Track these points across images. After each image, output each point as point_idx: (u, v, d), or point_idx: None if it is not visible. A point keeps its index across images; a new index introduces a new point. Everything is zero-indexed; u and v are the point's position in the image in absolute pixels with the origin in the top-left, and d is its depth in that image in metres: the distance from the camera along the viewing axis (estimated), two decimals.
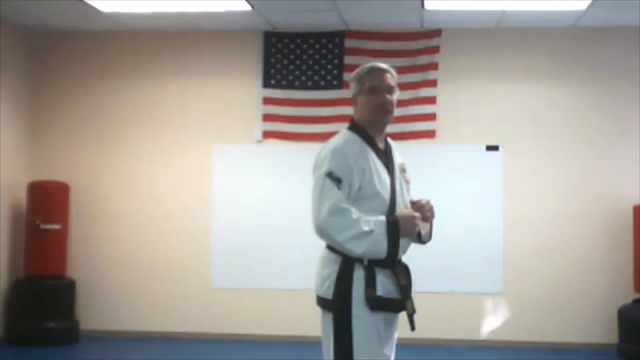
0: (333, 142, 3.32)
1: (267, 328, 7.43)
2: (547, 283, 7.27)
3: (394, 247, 3.16)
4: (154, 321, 7.56)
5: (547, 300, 7.26)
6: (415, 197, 3.43)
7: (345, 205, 3.14)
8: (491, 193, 7.35)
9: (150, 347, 7.20)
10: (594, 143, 7.32)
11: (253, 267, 7.49)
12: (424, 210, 3.33)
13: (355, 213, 3.15)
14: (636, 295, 6.91)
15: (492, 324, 7.33)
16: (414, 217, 3.22)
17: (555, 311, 7.24)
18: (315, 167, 3.29)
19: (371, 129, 3.35)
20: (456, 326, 7.31)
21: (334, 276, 3.20)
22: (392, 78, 3.38)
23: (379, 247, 3.13)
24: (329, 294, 3.20)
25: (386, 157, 3.37)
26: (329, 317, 3.22)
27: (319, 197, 3.19)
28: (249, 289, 7.51)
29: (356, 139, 3.32)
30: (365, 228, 3.11)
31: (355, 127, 3.38)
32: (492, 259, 7.30)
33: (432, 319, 7.21)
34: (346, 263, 3.19)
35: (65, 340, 7.18)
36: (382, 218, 3.17)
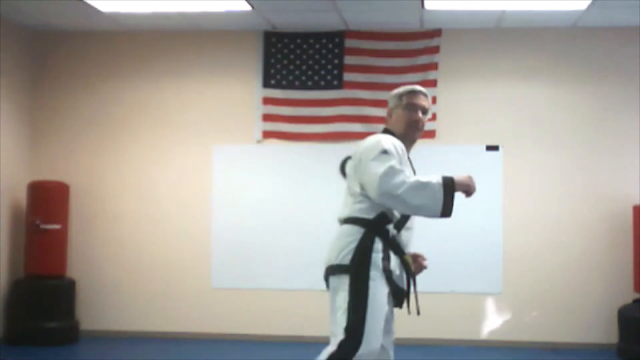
0: (377, 137, 3.53)
1: (267, 328, 7.43)
2: (547, 283, 7.27)
3: (449, 202, 3.29)
4: (154, 321, 7.56)
5: (547, 300, 7.26)
6: None
7: (400, 166, 3.34)
8: (491, 193, 7.35)
9: (150, 347, 7.20)
10: (594, 143, 7.32)
11: (253, 267, 7.49)
12: (420, 261, 3.67)
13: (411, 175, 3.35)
14: (636, 295, 6.91)
15: (492, 324, 7.33)
16: (470, 178, 3.38)
17: (555, 311, 7.25)
18: (366, 152, 3.44)
19: (402, 141, 3.58)
20: (456, 326, 7.31)
21: (354, 244, 3.37)
22: (427, 101, 3.68)
23: (436, 198, 3.28)
24: (347, 260, 3.37)
25: (411, 166, 3.62)
26: (344, 281, 3.35)
27: (377, 163, 3.34)
28: (249, 289, 7.51)
29: (398, 140, 3.55)
30: (423, 180, 3.29)
31: (390, 133, 3.62)
32: (492, 259, 7.30)
33: (432, 319, 7.19)
34: (368, 234, 3.38)
35: (65, 340, 7.18)
36: (436, 176, 3.33)
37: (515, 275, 7.28)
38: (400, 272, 3.49)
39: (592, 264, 7.24)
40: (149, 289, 7.60)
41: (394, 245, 3.44)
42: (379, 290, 3.33)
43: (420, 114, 3.61)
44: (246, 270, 7.50)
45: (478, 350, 7.14)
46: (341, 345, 3.29)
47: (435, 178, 3.28)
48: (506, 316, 7.32)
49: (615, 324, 6.98)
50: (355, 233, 3.40)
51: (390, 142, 3.45)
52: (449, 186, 3.28)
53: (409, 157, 3.61)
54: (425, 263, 3.69)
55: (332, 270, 3.42)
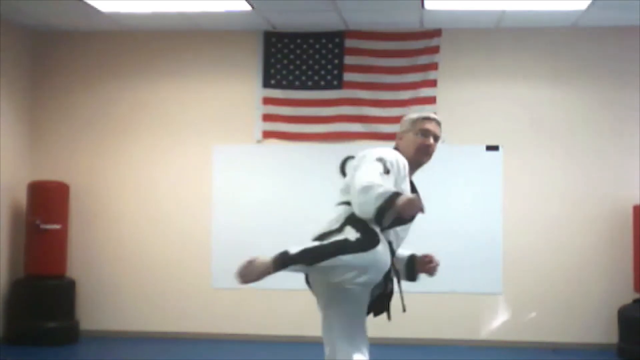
0: (384, 149, 3.56)
1: (267, 328, 7.43)
2: (547, 283, 7.27)
3: (381, 211, 3.25)
4: (154, 321, 7.56)
5: (547, 300, 7.26)
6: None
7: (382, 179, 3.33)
8: (491, 193, 7.35)
9: (150, 347, 7.20)
10: (594, 143, 7.32)
11: None
12: (431, 267, 3.75)
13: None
14: (636, 295, 6.91)
15: (492, 324, 7.33)
16: (417, 201, 3.28)
17: (555, 311, 7.24)
18: (362, 160, 3.47)
19: (408, 164, 3.60)
20: (456, 326, 7.31)
21: (344, 214, 3.40)
22: (440, 130, 3.74)
23: (370, 205, 3.26)
24: (337, 225, 3.40)
25: (412, 187, 3.64)
26: (340, 233, 3.37)
27: (366, 165, 3.39)
28: (249, 289, 7.41)
29: (403, 157, 3.56)
30: (377, 185, 3.27)
31: (400, 151, 3.63)
32: (492, 259, 7.30)
33: (432, 319, 7.22)
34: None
35: (65, 340, 7.18)
36: (393, 189, 3.30)
37: (515, 275, 7.28)
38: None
39: (592, 264, 7.24)
40: (149, 289, 7.59)
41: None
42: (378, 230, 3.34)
43: (431, 140, 3.65)
44: None
45: (478, 350, 7.14)
46: (359, 239, 3.30)
47: (384, 190, 3.25)
48: (506, 316, 7.32)
49: (615, 324, 6.98)
50: (344, 209, 3.42)
51: (393, 155, 3.47)
52: (389, 201, 3.23)
53: (411, 181, 3.63)
54: (433, 264, 3.75)
55: (323, 237, 3.42)
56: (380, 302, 3.53)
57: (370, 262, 3.29)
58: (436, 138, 3.68)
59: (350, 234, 3.32)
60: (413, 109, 7.34)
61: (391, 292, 3.54)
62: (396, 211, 3.23)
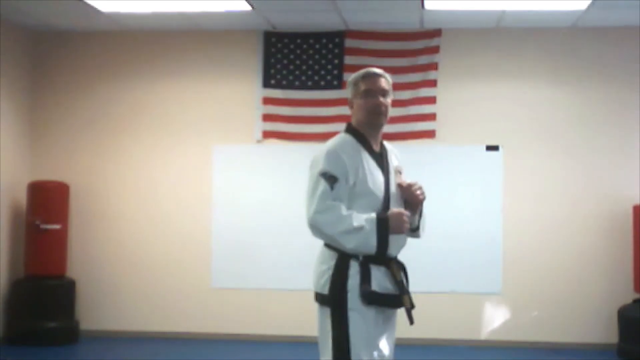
0: (328, 144, 3.44)
1: (267, 328, 7.44)
2: (547, 283, 7.27)
3: (383, 244, 3.25)
4: (154, 321, 7.56)
5: (547, 300, 7.26)
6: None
7: (335, 202, 3.26)
8: (491, 193, 7.35)
9: (150, 347, 7.20)
10: (594, 143, 7.32)
11: (253, 267, 7.49)
12: (413, 191, 3.44)
13: (345, 210, 3.26)
14: (636, 295, 6.91)
15: (492, 324, 7.33)
16: (402, 214, 3.31)
17: (555, 311, 7.25)
18: (310, 167, 3.42)
19: (366, 131, 3.47)
20: (456, 326, 7.31)
21: (330, 272, 3.29)
22: (387, 82, 3.50)
23: (369, 242, 3.24)
24: (325, 290, 3.30)
25: (381, 159, 3.47)
26: (327, 312, 3.30)
27: (312, 194, 3.34)
28: (249, 289, 7.51)
29: (350, 140, 3.44)
30: (356, 224, 3.22)
31: (350, 129, 3.51)
32: (492, 259, 7.30)
33: (432, 319, 7.21)
34: (342, 259, 3.29)
35: (65, 340, 7.18)
36: (373, 215, 3.27)
37: (515, 275, 7.28)
38: (388, 279, 3.35)
39: (592, 264, 7.24)
40: (149, 289, 7.60)
41: (374, 259, 3.30)
42: (360, 321, 3.23)
43: (380, 98, 3.41)
44: (246, 270, 7.50)
45: (478, 350, 7.14)
46: None
47: (369, 222, 3.21)
48: (506, 316, 7.32)
49: (615, 324, 6.98)
50: (329, 259, 3.31)
51: (334, 152, 3.32)
52: (383, 226, 3.23)
53: (382, 149, 3.48)
54: (414, 187, 3.45)
55: (316, 297, 3.38)
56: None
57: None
58: (385, 93, 3.43)
59: (326, 344, 3.28)
60: (413, 109, 7.35)
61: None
62: (396, 232, 3.26)
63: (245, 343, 7.32)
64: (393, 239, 3.32)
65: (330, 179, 3.27)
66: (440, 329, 7.27)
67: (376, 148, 3.48)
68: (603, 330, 7.15)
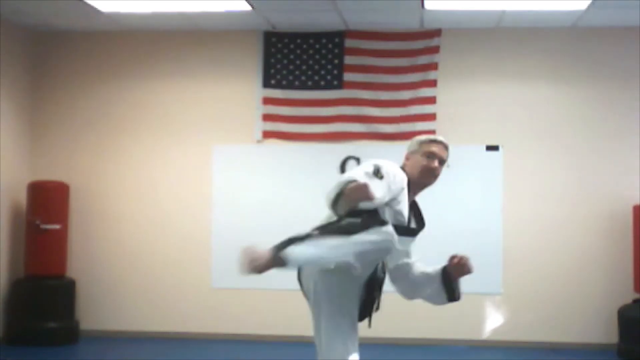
0: (388, 162, 3.58)
1: (267, 328, 7.43)
2: (547, 283, 7.26)
3: (335, 198, 3.30)
4: (154, 321, 7.56)
5: (547, 300, 7.26)
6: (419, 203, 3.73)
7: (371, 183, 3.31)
8: (491, 193, 7.35)
9: (150, 347, 7.20)
10: (594, 143, 7.32)
11: None
12: (464, 262, 3.86)
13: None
14: (636, 295, 6.91)
15: (492, 324, 7.32)
16: (364, 186, 3.26)
17: (555, 311, 7.24)
18: (364, 162, 3.54)
19: (412, 185, 3.64)
20: (456, 326, 7.30)
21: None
22: (447, 153, 3.78)
23: (330, 192, 3.33)
24: (332, 195, 3.37)
25: (412, 208, 3.69)
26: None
27: (350, 170, 3.47)
28: (249, 289, 7.50)
29: (405, 175, 3.59)
30: (348, 177, 3.33)
31: (406, 172, 3.66)
32: (492, 259, 7.29)
33: (432, 319, 7.20)
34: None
35: (65, 340, 7.18)
36: (354, 177, 3.34)
37: (515, 275, 7.28)
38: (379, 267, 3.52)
39: (592, 264, 7.24)
40: (149, 289, 7.59)
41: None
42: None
43: (437, 163, 3.68)
44: None
45: (478, 350, 7.14)
46: (368, 217, 3.28)
47: (346, 179, 3.31)
48: (506, 316, 7.31)
49: (615, 324, 6.98)
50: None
51: (394, 168, 3.51)
52: (342, 187, 3.28)
53: (415, 201, 3.70)
54: (463, 260, 3.85)
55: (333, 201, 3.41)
56: (364, 308, 3.55)
57: (382, 237, 3.27)
58: (442, 161, 3.72)
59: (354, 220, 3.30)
60: (413, 109, 7.35)
61: (375, 299, 3.57)
62: (346, 196, 3.26)
63: (245, 343, 7.32)
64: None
65: (377, 173, 3.38)
66: (440, 329, 7.26)
67: (411, 198, 3.68)
68: (603, 330, 7.15)
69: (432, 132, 3.74)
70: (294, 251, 3.26)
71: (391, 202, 3.45)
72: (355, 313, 3.50)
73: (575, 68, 7.36)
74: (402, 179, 3.51)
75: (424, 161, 3.65)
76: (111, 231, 7.67)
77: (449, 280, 3.74)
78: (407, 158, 3.73)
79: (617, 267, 7.17)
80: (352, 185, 3.23)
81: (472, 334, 7.31)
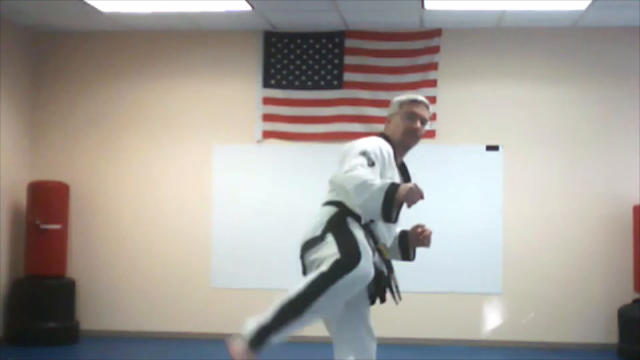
0: (366, 139, 3.57)
1: None
2: (547, 283, 7.26)
3: (388, 206, 3.25)
4: (154, 321, 7.56)
5: (547, 300, 7.26)
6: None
7: (365, 168, 3.34)
8: (491, 193, 7.35)
9: (150, 347, 7.20)
10: (594, 143, 7.32)
11: (253, 267, 7.49)
12: (426, 236, 3.64)
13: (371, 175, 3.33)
14: (636, 295, 6.91)
15: (492, 324, 7.32)
16: (415, 185, 3.30)
17: (555, 311, 7.24)
18: (346, 153, 3.48)
19: (397, 147, 3.63)
20: (456, 326, 7.31)
21: (326, 217, 3.40)
22: (428, 112, 3.73)
23: (375, 201, 3.25)
24: (319, 231, 3.37)
25: (401, 171, 3.68)
26: (323, 243, 3.33)
27: (349, 159, 3.40)
28: (249, 289, 7.50)
29: (387, 144, 3.57)
30: (370, 180, 3.27)
31: (385, 137, 3.65)
32: (492, 259, 7.30)
33: (432, 319, 7.22)
34: (340, 212, 3.39)
35: (65, 340, 7.18)
36: (387, 181, 3.32)
37: (515, 275, 7.28)
38: (378, 259, 3.45)
39: (592, 264, 7.24)
40: (149, 289, 7.59)
41: (367, 231, 3.41)
42: (359, 233, 3.33)
43: (419, 124, 3.65)
44: (246, 270, 7.50)
45: (478, 350, 7.14)
46: (337, 262, 3.23)
47: (381, 184, 3.26)
48: (506, 316, 7.31)
49: (615, 324, 6.98)
50: (326, 211, 3.43)
51: (376, 145, 3.48)
52: (390, 193, 3.23)
53: (403, 162, 3.68)
54: (426, 232, 3.65)
55: (308, 246, 3.41)
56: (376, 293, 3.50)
57: (353, 280, 3.24)
58: (423, 121, 3.68)
59: (330, 249, 3.28)
60: None
61: (384, 287, 3.51)
62: (399, 202, 3.24)
63: None
64: (384, 234, 3.44)
65: (369, 160, 3.38)
66: (440, 329, 7.26)
67: (399, 160, 3.68)
68: (603, 330, 7.15)
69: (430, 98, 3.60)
70: (271, 340, 3.40)
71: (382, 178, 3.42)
72: (364, 313, 3.50)
73: (575, 68, 7.36)
74: (389, 153, 3.50)
75: (405, 123, 3.63)
76: (111, 231, 7.67)
77: (406, 243, 3.70)
78: (388, 120, 3.72)
79: (617, 267, 7.17)
80: (405, 190, 3.22)
81: (472, 334, 7.31)
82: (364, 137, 3.67)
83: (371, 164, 3.37)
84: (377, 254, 3.43)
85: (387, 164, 3.46)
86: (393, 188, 3.23)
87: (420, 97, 3.75)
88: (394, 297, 3.49)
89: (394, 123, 3.67)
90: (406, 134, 3.63)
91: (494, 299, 7.32)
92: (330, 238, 3.32)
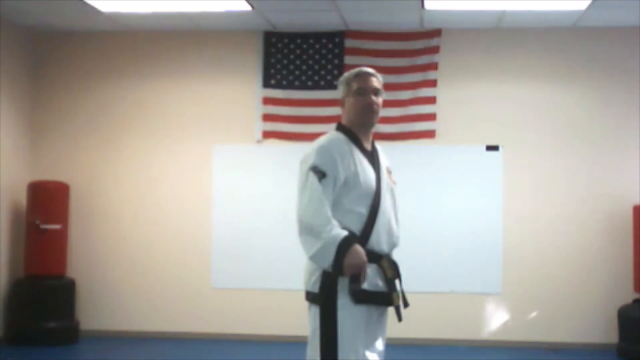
0: (319, 140, 3.47)
1: (267, 328, 7.43)
2: (547, 283, 7.27)
3: (337, 266, 3.19)
4: (154, 321, 7.56)
5: (547, 300, 7.26)
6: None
7: (323, 197, 3.25)
8: (491, 193, 7.35)
9: (150, 347, 7.20)
10: (594, 143, 7.32)
11: (253, 267, 7.49)
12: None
13: (329, 211, 3.25)
14: (636, 295, 6.91)
15: (492, 324, 7.33)
16: (363, 261, 3.20)
17: (555, 311, 7.25)
18: (301, 163, 3.43)
19: (358, 130, 3.47)
20: (456, 326, 7.31)
21: (320, 270, 3.29)
22: (378, 81, 3.51)
23: (325, 259, 3.21)
24: (316, 288, 3.30)
25: (372, 157, 3.48)
26: (317, 311, 3.30)
27: (302, 189, 3.36)
28: (249, 289, 7.51)
29: (342, 138, 3.45)
30: (324, 234, 3.21)
31: (341, 128, 3.51)
32: (492, 259, 7.30)
33: (432, 319, 7.22)
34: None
35: (65, 340, 7.18)
36: (340, 235, 3.21)
37: (515, 275, 7.28)
38: (379, 276, 3.33)
39: (592, 264, 7.24)
40: (149, 289, 7.60)
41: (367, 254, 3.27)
42: (349, 321, 3.23)
43: (372, 97, 3.42)
44: (246, 270, 7.50)
45: (478, 350, 7.14)
46: None
47: (332, 239, 3.18)
48: (506, 316, 7.32)
49: (615, 324, 6.98)
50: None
51: (326, 148, 3.34)
52: (341, 253, 3.17)
53: (374, 148, 3.50)
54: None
55: (307, 296, 3.38)
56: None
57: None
58: (376, 92, 3.44)
59: (314, 332, 3.31)
60: (413, 109, 7.35)
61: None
62: (344, 270, 3.18)
63: (245, 343, 7.32)
64: (384, 235, 3.34)
65: (318, 173, 3.27)
66: (440, 329, 7.27)
67: (367, 146, 3.49)
68: (603, 330, 7.15)
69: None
70: None
71: (348, 181, 3.29)
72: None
73: (575, 68, 7.36)
74: (343, 148, 3.33)
75: (358, 100, 3.39)
76: (111, 231, 7.67)
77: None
78: (341, 105, 3.49)
79: (617, 267, 7.17)
80: (350, 268, 3.15)
81: (472, 334, 7.31)
82: None
83: (322, 176, 3.26)
84: (377, 271, 3.33)
85: (342, 163, 3.29)
86: (342, 252, 3.16)
87: (366, 69, 3.50)
88: (397, 314, 3.39)
89: (347, 105, 3.45)
90: (362, 113, 3.39)
91: (494, 298, 7.32)
92: (317, 318, 3.28)
